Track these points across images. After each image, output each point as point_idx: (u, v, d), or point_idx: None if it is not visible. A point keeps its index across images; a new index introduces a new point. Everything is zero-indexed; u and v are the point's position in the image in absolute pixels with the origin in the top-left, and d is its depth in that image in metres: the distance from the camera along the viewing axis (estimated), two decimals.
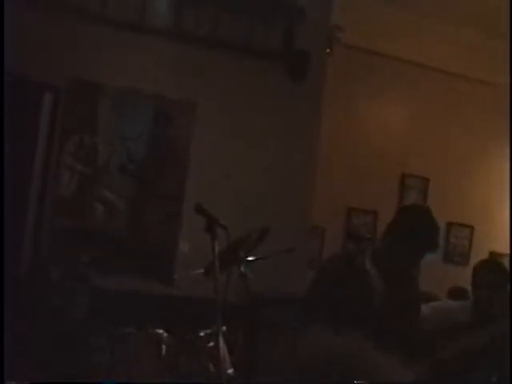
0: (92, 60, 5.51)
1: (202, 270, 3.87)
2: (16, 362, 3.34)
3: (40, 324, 4.20)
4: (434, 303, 4.50)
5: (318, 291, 3.53)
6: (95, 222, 5.55)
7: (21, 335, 3.84)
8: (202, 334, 3.90)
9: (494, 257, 6.92)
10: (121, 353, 3.68)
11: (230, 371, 3.81)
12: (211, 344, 3.81)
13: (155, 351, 3.71)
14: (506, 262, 6.16)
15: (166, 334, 3.78)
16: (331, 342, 3.21)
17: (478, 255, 6.73)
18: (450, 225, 7.16)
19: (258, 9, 6.05)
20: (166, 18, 5.78)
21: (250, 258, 4.23)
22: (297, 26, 6.14)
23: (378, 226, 6.70)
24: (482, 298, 4.09)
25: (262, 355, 3.59)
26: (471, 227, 7.24)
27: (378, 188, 6.74)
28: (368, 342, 3.14)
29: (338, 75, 6.47)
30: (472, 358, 3.86)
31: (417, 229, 3.51)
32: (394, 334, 3.29)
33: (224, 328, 3.69)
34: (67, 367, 3.56)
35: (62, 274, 4.58)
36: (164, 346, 3.74)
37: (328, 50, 6.30)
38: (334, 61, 6.38)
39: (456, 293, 5.97)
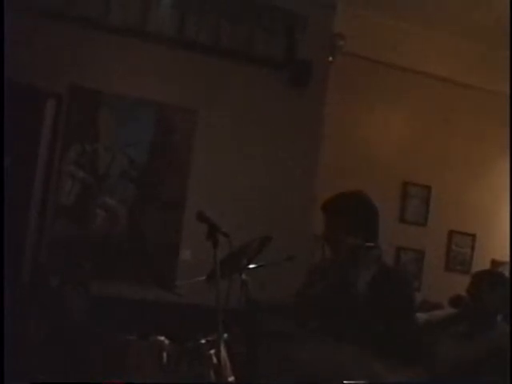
0: (94, 67, 5.52)
1: (204, 278, 3.87)
2: (16, 366, 3.34)
3: (40, 330, 4.19)
4: (436, 312, 4.51)
5: (306, 296, 3.55)
6: (96, 228, 5.55)
7: (21, 340, 3.84)
8: (203, 341, 3.89)
9: (495, 265, 6.92)
10: (122, 360, 3.67)
11: (231, 379, 3.80)
12: (212, 351, 3.80)
13: (156, 358, 3.70)
14: (506, 270, 6.17)
15: (167, 342, 3.78)
16: (331, 351, 3.22)
17: (480, 264, 6.73)
18: (451, 233, 7.15)
19: (260, 17, 6.07)
20: (168, 25, 5.79)
21: (251, 266, 4.23)
22: (299, 35, 6.15)
23: (380, 234, 6.67)
24: (484, 308, 4.10)
25: (263, 363, 3.58)
26: (473, 235, 7.22)
27: (379, 196, 6.69)
28: (356, 346, 3.16)
29: (340, 83, 6.48)
30: (473, 366, 3.86)
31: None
32: (384, 340, 3.27)
33: (225, 335, 3.69)
34: (68, 374, 3.55)
35: (63, 281, 4.58)
36: (165, 354, 3.73)
37: (330, 59, 6.31)
38: (336, 69, 6.39)
39: (458, 301, 5.95)
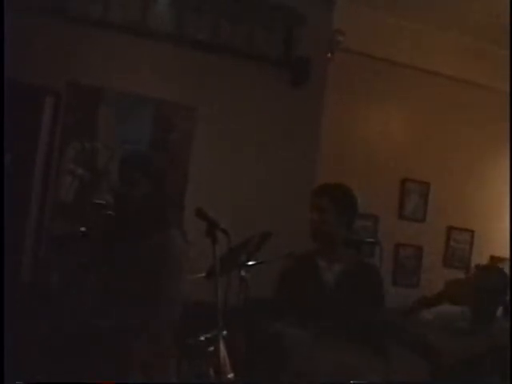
0: (92, 64, 5.52)
1: (203, 274, 3.88)
2: (16, 366, 3.34)
3: (40, 330, 4.20)
4: (435, 308, 4.51)
5: (280, 290, 3.68)
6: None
7: (21, 340, 3.84)
8: (202, 338, 3.90)
9: (494, 261, 6.92)
10: (123, 359, 3.67)
11: (231, 375, 3.82)
12: (212, 348, 3.82)
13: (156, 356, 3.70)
14: (506, 266, 6.17)
15: None
16: (329, 349, 3.26)
17: (479, 260, 6.74)
18: (450, 229, 7.16)
19: (259, 14, 6.07)
20: (167, 23, 5.79)
21: (250, 263, 4.25)
22: (297, 31, 6.16)
23: (379, 230, 6.70)
24: (483, 304, 4.10)
25: (262, 359, 3.60)
26: (471, 231, 7.23)
27: (378, 192, 6.74)
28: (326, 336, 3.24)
29: (338, 80, 6.48)
30: (473, 363, 3.87)
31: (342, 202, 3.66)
32: (353, 328, 3.35)
33: (224, 332, 3.70)
34: (68, 371, 3.55)
35: (62, 278, 4.58)
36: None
37: (329, 55, 6.31)
38: (335, 66, 6.39)
39: (456, 298, 5.95)
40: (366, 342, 3.35)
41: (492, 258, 7.09)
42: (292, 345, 3.32)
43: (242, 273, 4.11)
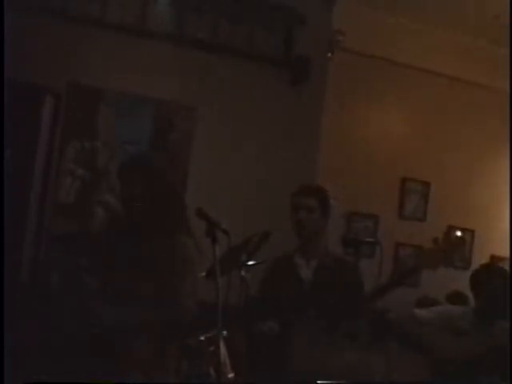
0: (92, 64, 5.52)
1: (203, 274, 3.87)
2: (16, 366, 3.34)
3: (40, 330, 4.20)
4: (435, 308, 4.52)
5: (263, 288, 3.85)
6: (96, 225, 5.55)
7: (21, 340, 3.84)
8: (202, 337, 3.90)
9: (495, 261, 6.92)
10: (123, 359, 3.67)
11: (231, 375, 3.82)
12: (212, 348, 3.81)
13: (157, 356, 3.70)
14: (506, 265, 6.17)
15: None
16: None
17: (479, 259, 6.72)
18: (450, 228, 7.16)
19: (259, 14, 6.07)
20: (167, 22, 5.79)
21: (250, 263, 4.25)
22: (297, 31, 6.16)
23: (379, 230, 6.69)
24: (484, 304, 4.10)
25: (263, 359, 3.60)
26: (472, 231, 7.22)
27: (378, 192, 6.75)
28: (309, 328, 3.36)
29: (338, 80, 6.48)
30: (473, 363, 3.87)
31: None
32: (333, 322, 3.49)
33: (225, 332, 3.70)
34: (68, 371, 3.55)
35: (62, 279, 4.58)
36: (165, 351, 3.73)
37: (329, 55, 6.31)
38: (334, 65, 6.39)
39: (455, 297, 5.97)
40: (354, 338, 3.44)
41: (492, 257, 7.09)
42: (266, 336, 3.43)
43: (243, 272, 4.11)
